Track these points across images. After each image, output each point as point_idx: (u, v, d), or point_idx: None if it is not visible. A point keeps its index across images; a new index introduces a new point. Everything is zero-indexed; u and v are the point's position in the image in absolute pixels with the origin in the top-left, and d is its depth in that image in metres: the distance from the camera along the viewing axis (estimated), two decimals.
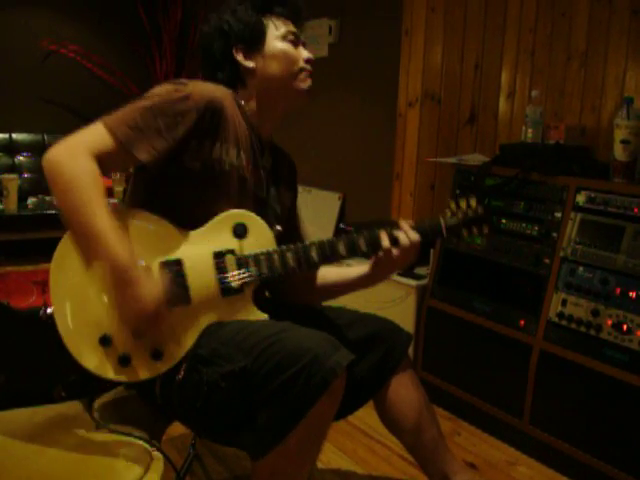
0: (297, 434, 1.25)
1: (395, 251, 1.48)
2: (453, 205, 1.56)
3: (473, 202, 1.55)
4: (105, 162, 1.34)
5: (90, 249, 1.31)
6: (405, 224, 1.49)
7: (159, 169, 1.42)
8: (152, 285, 1.30)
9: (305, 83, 1.58)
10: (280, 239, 1.52)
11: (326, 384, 1.23)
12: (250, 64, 1.55)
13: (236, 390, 1.30)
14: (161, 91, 1.41)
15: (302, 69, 1.56)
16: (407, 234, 1.48)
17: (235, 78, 1.56)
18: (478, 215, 1.55)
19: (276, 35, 1.56)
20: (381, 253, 1.49)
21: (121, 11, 4.98)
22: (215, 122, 1.44)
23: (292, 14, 1.60)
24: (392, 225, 1.50)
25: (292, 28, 1.58)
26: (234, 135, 1.48)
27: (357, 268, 1.62)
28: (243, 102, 1.55)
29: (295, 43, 1.57)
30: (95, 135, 1.34)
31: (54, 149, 1.31)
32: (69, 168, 1.29)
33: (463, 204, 1.55)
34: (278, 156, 1.69)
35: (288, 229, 1.65)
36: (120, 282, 1.29)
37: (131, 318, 1.31)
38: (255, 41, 1.55)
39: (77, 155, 1.30)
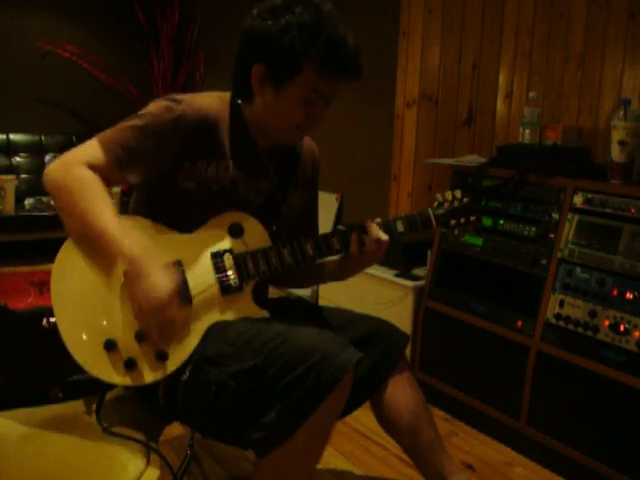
0: (305, 430, 1.26)
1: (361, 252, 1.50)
2: (439, 197, 1.61)
3: (458, 193, 1.60)
4: (99, 175, 1.39)
5: (103, 249, 1.34)
6: (374, 227, 1.50)
7: (155, 189, 1.48)
8: (162, 275, 1.31)
9: (293, 139, 1.55)
10: (286, 237, 1.54)
11: (336, 381, 1.26)
12: (258, 88, 1.43)
13: (245, 388, 1.31)
14: (154, 109, 1.42)
15: (297, 127, 1.47)
16: (375, 236, 1.49)
17: (244, 87, 1.46)
18: (464, 204, 1.59)
19: (300, 88, 1.39)
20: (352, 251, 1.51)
21: (119, 12, 4.98)
22: (207, 142, 1.44)
23: (341, 74, 1.41)
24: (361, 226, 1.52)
25: (325, 87, 1.40)
26: (230, 151, 1.48)
27: (331, 261, 1.63)
28: (246, 111, 1.50)
29: (313, 102, 1.42)
30: (89, 151, 1.39)
31: (50, 167, 1.39)
32: (66, 181, 1.36)
33: (449, 195, 1.60)
34: (289, 158, 1.63)
35: (297, 226, 1.66)
36: (132, 275, 1.32)
37: (147, 310, 1.31)
38: (277, 77, 1.40)
39: (72, 168, 1.37)
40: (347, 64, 1.40)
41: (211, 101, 1.48)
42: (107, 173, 1.39)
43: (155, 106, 1.43)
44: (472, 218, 1.60)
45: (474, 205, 1.60)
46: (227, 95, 1.53)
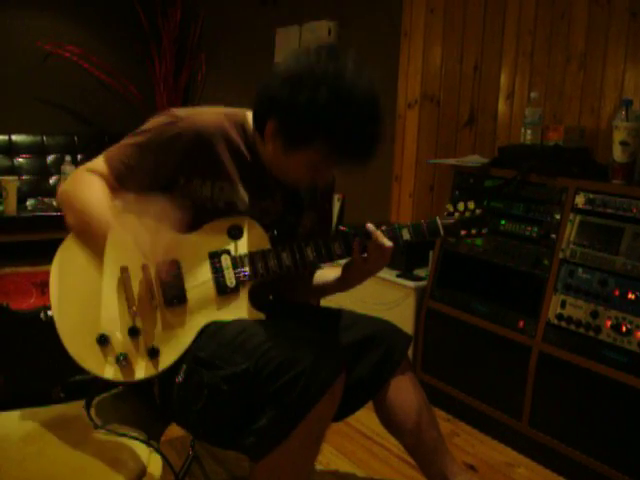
0: (298, 434, 1.26)
1: (365, 259, 1.48)
2: (451, 207, 1.57)
3: (471, 204, 1.56)
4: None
5: (95, 230, 1.39)
6: (378, 233, 1.46)
7: None
8: (142, 229, 1.34)
9: (297, 187, 1.54)
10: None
11: (327, 385, 1.25)
12: (269, 139, 1.43)
13: (237, 392, 1.30)
14: (154, 126, 1.46)
15: (302, 181, 1.49)
16: (379, 242, 1.46)
17: (259, 127, 1.45)
18: (476, 216, 1.55)
19: (308, 158, 1.40)
20: (357, 257, 1.48)
21: (120, 12, 4.98)
22: (204, 161, 1.45)
23: (351, 162, 1.42)
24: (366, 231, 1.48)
25: (333, 164, 1.43)
26: (229, 171, 1.47)
27: (334, 271, 1.62)
28: (259, 141, 1.48)
29: (320, 169, 1.44)
30: (96, 164, 1.47)
31: (62, 184, 1.49)
32: (74, 191, 1.44)
33: (461, 206, 1.56)
34: None
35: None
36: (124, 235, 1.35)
37: (153, 252, 1.34)
38: (288, 142, 1.39)
39: (78, 178, 1.46)
40: (359, 156, 1.40)
41: (215, 119, 1.47)
42: (111, 184, 1.45)
43: (155, 122, 1.46)
44: (484, 230, 1.55)
45: (488, 217, 1.56)
46: (236, 113, 1.52)
